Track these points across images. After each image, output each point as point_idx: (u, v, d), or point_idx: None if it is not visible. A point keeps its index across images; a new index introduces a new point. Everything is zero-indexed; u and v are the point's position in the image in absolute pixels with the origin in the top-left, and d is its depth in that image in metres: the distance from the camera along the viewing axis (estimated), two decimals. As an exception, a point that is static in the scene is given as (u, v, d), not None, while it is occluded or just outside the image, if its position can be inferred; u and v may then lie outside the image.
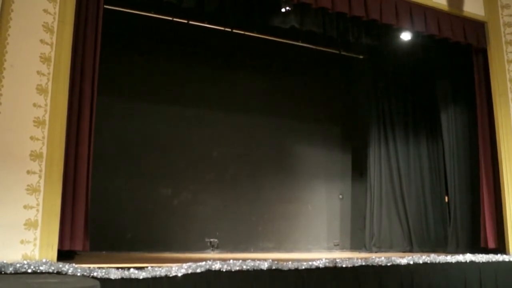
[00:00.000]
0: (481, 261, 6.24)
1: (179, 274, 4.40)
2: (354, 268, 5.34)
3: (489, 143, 7.38)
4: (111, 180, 7.15)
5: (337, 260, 5.29)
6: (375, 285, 5.42)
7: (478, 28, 7.56)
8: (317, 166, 9.17)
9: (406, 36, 7.54)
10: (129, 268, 4.26)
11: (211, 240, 7.74)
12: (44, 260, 4.20)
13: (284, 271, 4.95)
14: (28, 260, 4.19)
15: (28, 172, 4.56)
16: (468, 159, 7.87)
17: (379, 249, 8.32)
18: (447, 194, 8.57)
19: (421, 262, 5.83)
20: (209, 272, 4.58)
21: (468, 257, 6.23)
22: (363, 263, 5.42)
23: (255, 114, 8.67)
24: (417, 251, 8.19)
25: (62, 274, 4.04)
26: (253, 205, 8.40)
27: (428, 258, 5.94)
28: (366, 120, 9.20)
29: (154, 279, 4.29)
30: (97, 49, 5.39)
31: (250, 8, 6.75)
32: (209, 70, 8.33)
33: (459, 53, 7.86)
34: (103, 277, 4.08)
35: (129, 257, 6.26)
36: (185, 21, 7.99)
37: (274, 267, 4.89)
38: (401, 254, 7.36)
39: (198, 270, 4.53)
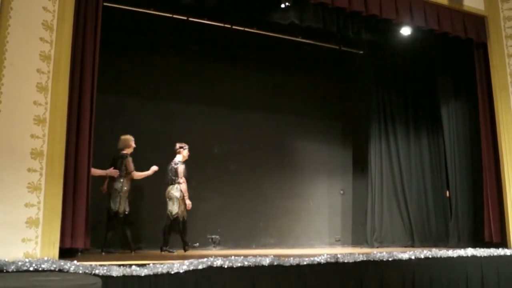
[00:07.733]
0: (482, 255, 6.23)
1: (181, 271, 4.40)
2: (355, 264, 5.34)
3: (491, 137, 7.37)
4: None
5: (339, 256, 5.28)
6: (376, 280, 5.42)
7: (478, 22, 7.54)
8: (318, 162, 9.18)
9: (406, 31, 7.54)
10: (130, 265, 4.26)
11: (213, 236, 7.76)
12: (45, 258, 4.19)
13: (286, 267, 4.95)
14: (29, 258, 4.18)
15: (29, 170, 4.56)
16: (468, 153, 7.87)
17: (381, 244, 8.34)
18: (448, 189, 8.58)
19: (422, 257, 5.82)
20: (210, 269, 4.58)
21: (470, 251, 6.22)
22: (365, 259, 5.42)
23: (255, 110, 8.67)
24: (418, 246, 8.20)
25: (64, 271, 4.03)
26: (255, 201, 8.41)
27: (430, 252, 5.92)
28: (367, 116, 9.20)
29: (156, 276, 4.29)
30: (97, 47, 5.39)
31: (250, 4, 6.75)
32: (209, 66, 8.33)
33: (460, 47, 7.84)
34: (105, 274, 4.08)
35: (131, 254, 6.27)
36: (185, 18, 8.00)
37: (275, 263, 4.89)
38: (402, 249, 7.36)
39: (200, 267, 4.53)
